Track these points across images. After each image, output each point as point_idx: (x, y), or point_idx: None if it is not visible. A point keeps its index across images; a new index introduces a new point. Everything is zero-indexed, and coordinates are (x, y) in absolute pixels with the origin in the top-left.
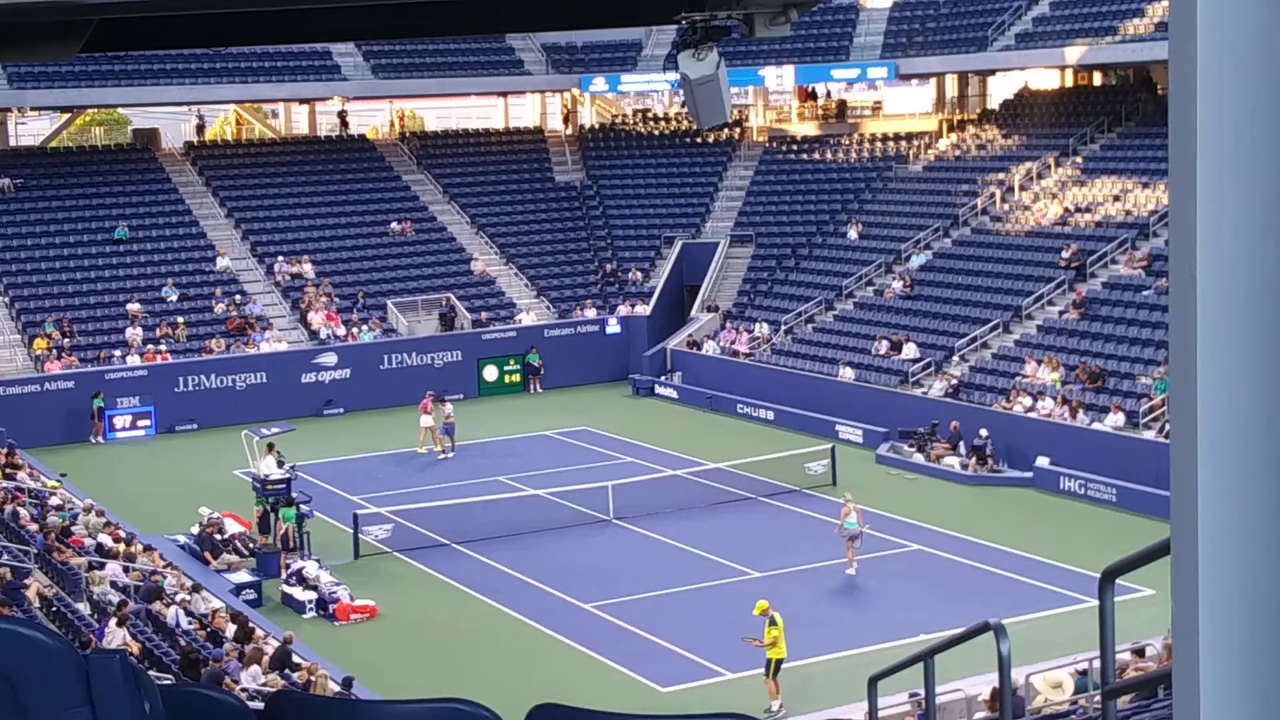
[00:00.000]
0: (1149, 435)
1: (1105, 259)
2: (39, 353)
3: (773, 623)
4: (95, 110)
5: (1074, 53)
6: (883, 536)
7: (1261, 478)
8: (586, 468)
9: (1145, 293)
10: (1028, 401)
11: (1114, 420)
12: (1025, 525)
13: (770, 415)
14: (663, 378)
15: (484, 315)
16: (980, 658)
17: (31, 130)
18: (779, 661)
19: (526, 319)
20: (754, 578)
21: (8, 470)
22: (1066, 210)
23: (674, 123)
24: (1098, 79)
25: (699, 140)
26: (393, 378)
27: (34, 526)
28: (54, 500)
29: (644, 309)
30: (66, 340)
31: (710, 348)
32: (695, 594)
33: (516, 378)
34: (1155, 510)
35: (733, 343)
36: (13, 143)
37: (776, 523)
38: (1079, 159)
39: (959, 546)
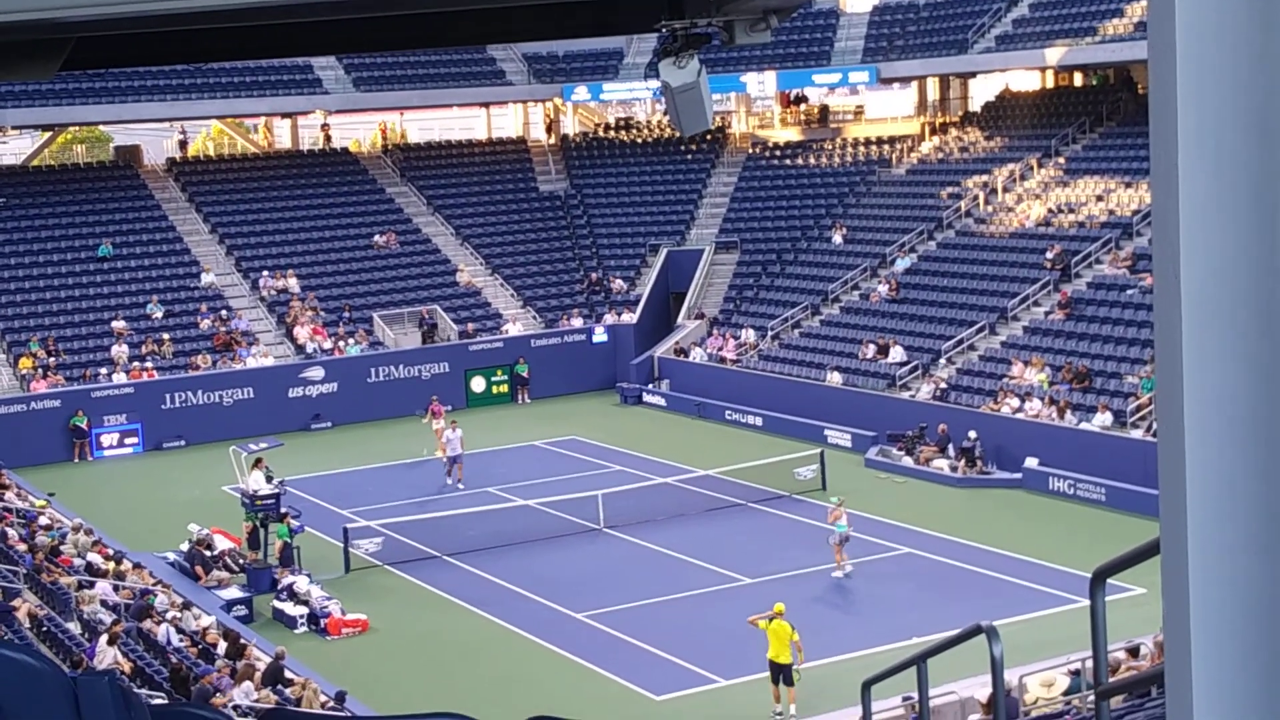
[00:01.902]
0: (1137, 434)
1: (1089, 259)
2: (24, 372)
3: (771, 620)
4: (77, 128)
5: (1054, 54)
6: (873, 540)
7: (1249, 474)
8: (576, 477)
9: (1130, 292)
10: (1015, 403)
11: (1102, 420)
12: (1015, 526)
13: (758, 421)
14: (650, 385)
15: (470, 326)
16: (973, 660)
17: (13, 149)
18: (771, 665)
19: (513, 329)
20: (745, 584)
21: None
22: (1050, 211)
23: (657, 130)
24: (1078, 79)
25: (682, 147)
26: (380, 390)
27: (23, 546)
28: (42, 520)
29: (630, 317)
30: (52, 359)
31: (697, 355)
32: (687, 601)
33: (504, 388)
34: (1145, 509)
35: (720, 349)
36: None
37: (767, 528)
38: (1061, 159)
39: (949, 549)
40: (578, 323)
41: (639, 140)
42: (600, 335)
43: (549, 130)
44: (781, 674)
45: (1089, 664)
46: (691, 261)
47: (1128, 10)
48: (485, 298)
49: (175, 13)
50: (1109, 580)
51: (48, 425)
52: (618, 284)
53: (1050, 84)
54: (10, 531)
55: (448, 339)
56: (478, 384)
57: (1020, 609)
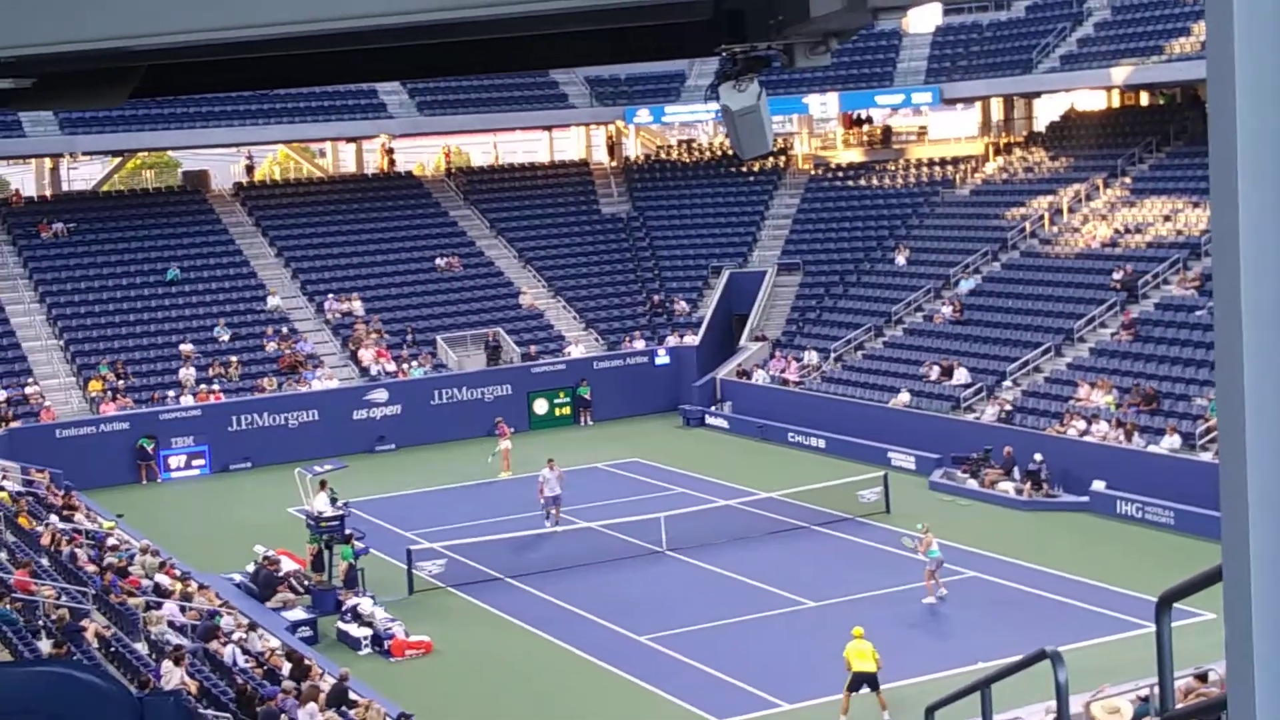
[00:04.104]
0: (1205, 457)
1: (1157, 280)
2: (94, 395)
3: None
4: (146, 153)
5: (1120, 73)
6: None
7: None
8: (638, 499)
9: (1198, 313)
10: (1082, 425)
11: (1170, 442)
12: (1082, 550)
13: (822, 443)
14: (713, 408)
15: (533, 349)
16: (1038, 686)
17: (83, 175)
18: (855, 675)
19: (575, 351)
20: (809, 607)
21: (65, 512)
22: (1116, 231)
23: (719, 152)
24: (1145, 99)
25: (744, 169)
26: (444, 413)
27: (91, 567)
28: (111, 541)
29: (693, 339)
30: (121, 382)
31: (760, 377)
32: (750, 624)
33: (567, 410)
34: (1214, 533)
35: (782, 371)
36: (65, 187)
37: (831, 551)
38: (1128, 179)
39: (1015, 572)
40: (640, 345)
41: (701, 162)
42: (662, 357)
43: (611, 152)
44: (866, 682)
45: (1156, 690)
46: (754, 283)
47: (1194, 29)
48: (548, 320)
49: (247, 40)
50: (1177, 605)
51: (116, 447)
52: (680, 306)
53: (1116, 103)
54: (79, 553)
55: (510, 361)
56: (540, 406)
57: (1087, 634)
